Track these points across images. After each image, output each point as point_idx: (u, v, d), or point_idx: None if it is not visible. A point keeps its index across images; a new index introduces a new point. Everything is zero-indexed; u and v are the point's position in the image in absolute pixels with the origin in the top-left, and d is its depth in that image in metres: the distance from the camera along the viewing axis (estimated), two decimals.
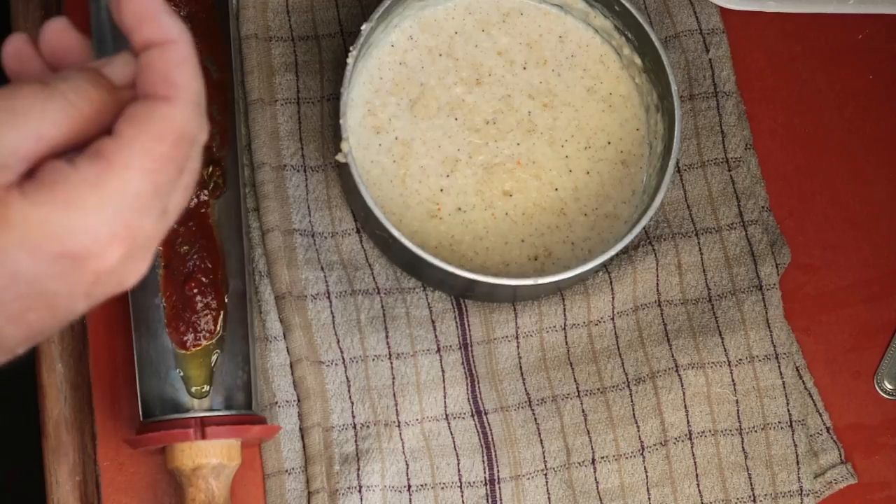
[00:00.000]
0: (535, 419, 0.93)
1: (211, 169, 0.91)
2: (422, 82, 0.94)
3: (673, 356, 0.93)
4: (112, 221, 0.56)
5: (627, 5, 0.92)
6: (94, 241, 0.56)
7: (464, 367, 0.93)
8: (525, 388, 0.93)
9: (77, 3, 0.96)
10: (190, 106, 0.58)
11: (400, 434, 0.92)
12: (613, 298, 0.94)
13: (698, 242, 0.95)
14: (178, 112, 0.57)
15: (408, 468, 0.92)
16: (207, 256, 0.90)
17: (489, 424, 0.93)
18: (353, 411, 0.92)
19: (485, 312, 0.93)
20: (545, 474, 0.92)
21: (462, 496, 0.92)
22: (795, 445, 0.93)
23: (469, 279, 0.88)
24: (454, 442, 0.92)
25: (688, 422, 0.93)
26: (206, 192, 0.91)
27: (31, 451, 0.96)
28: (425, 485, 0.91)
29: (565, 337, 0.94)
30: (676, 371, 0.93)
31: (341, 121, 0.88)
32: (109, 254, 0.57)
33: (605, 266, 0.95)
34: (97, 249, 0.56)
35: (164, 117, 0.57)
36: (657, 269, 0.95)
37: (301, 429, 0.92)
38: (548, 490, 0.92)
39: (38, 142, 0.56)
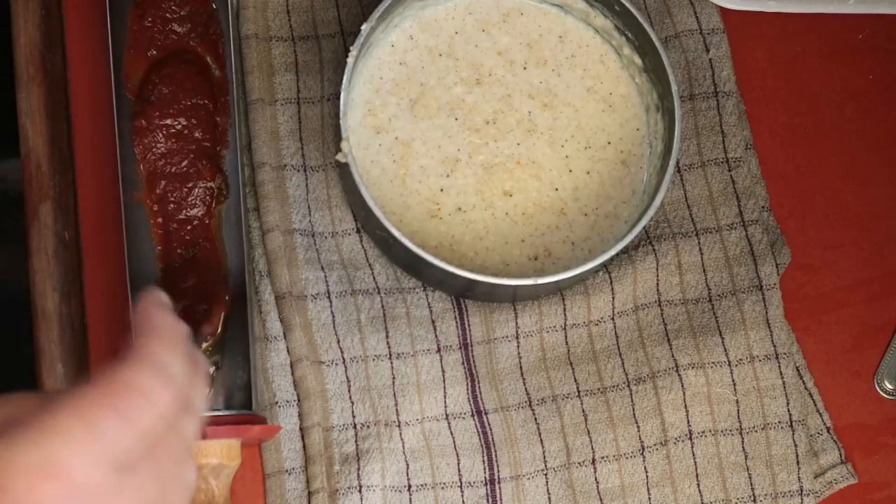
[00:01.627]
0: (536, 419, 0.93)
1: (217, 179, 0.91)
2: (422, 82, 0.94)
3: (673, 356, 0.93)
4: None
5: (627, 5, 0.92)
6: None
7: (464, 367, 0.93)
8: (525, 388, 0.93)
9: (77, 4, 0.96)
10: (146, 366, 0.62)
11: (400, 434, 0.92)
12: (613, 298, 0.94)
13: (698, 242, 0.95)
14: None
15: (408, 468, 0.92)
16: (208, 256, 0.90)
17: (489, 424, 0.93)
18: (353, 411, 0.92)
19: (485, 312, 0.93)
20: (545, 474, 0.92)
21: (462, 496, 0.92)
22: (796, 445, 0.93)
23: (469, 279, 0.88)
24: (454, 442, 0.92)
25: (688, 422, 0.93)
26: (210, 197, 0.91)
27: None
28: (425, 485, 0.91)
29: (565, 337, 0.94)
30: (676, 371, 0.93)
31: (341, 121, 0.89)
32: (38, 490, 0.57)
33: (605, 266, 0.95)
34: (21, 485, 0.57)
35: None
36: (657, 268, 0.95)
37: (301, 429, 0.92)
38: (548, 490, 0.92)
39: None
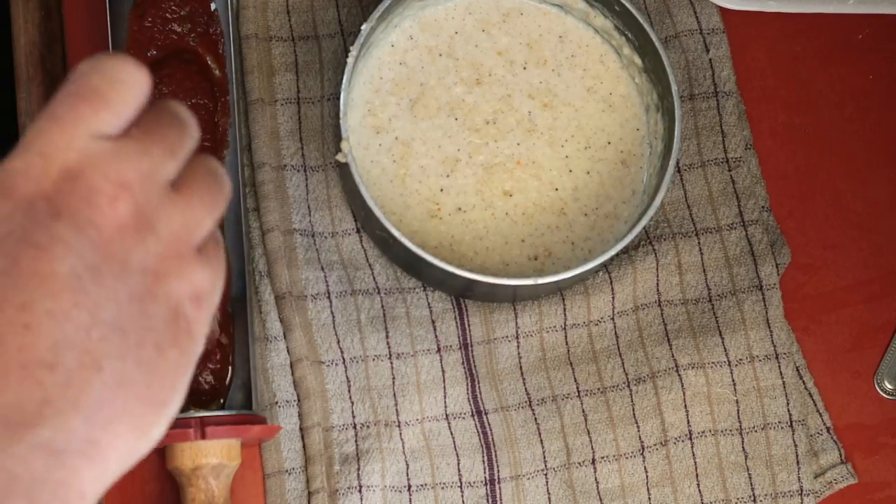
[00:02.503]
0: (536, 419, 0.93)
1: None
2: (422, 82, 0.94)
3: (673, 356, 0.93)
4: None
5: (627, 5, 0.92)
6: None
7: (464, 367, 0.93)
8: (525, 388, 0.93)
9: (77, 4, 0.96)
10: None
11: (400, 434, 0.91)
12: (613, 298, 0.94)
13: (698, 242, 0.95)
14: None
15: (408, 468, 0.91)
16: None
17: (489, 424, 0.93)
18: (353, 411, 0.92)
19: (485, 312, 0.93)
20: (545, 474, 0.92)
21: (462, 496, 0.92)
22: (795, 445, 0.93)
23: (469, 279, 0.88)
24: (454, 442, 0.92)
25: (688, 422, 0.93)
26: None
27: None
28: (425, 485, 0.91)
29: (565, 337, 0.94)
30: (676, 371, 0.93)
31: (341, 121, 0.88)
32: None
33: (605, 266, 0.94)
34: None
35: None
36: (657, 268, 0.95)
37: (301, 429, 0.92)
38: (548, 490, 0.92)
39: None
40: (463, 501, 0.92)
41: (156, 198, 0.54)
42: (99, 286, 0.52)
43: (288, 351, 0.92)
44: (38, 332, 0.51)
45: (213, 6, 0.94)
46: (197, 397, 0.88)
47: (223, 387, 0.89)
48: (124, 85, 0.55)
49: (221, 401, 0.89)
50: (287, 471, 0.91)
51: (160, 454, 0.90)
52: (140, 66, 0.55)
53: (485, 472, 0.92)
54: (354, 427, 0.91)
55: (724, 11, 0.99)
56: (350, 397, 0.92)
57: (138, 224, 0.54)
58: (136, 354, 0.53)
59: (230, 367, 0.89)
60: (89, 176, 0.53)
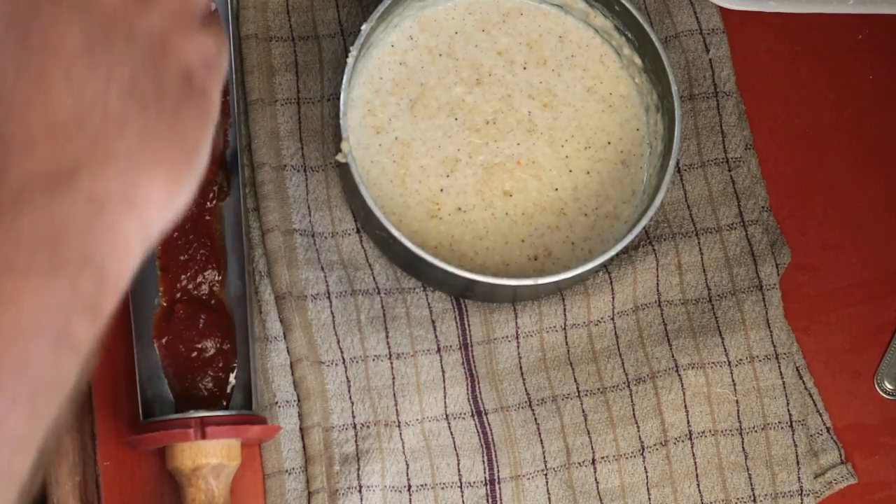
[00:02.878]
0: (536, 419, 0.93)
1: (218, 174, 0.91)
2: (422, 82, 0.94)
3: (673, 356, 0.93)
4: None
5: (627, 5, 0.92)
6: None
7: (464, 367, 0.93)
8: (525, 388, 0.93)
9: None
10: None
11: (400, 434, 0.91)
12: (613, 298, 0.94)
13: (698, 242, 0.95)
14: None
15: (408, 468, 0.92)
16: (208, 256, 0.90)
17: (489, 424, 0.93)
18: (353, 411, 0.92)
19: (485, 312, 0.93)
20: (545, 474, 0.92)
21: (462, 496, 0.92)
22: (795, 445, 0.93)
23: (469, 279, 0.88)
24: (454, 442, 0.92)
25: (688, 422, 0.93)
26: (212, 193, 0.91)
27: None
28: (425, 485, 0.91)
29: (565, 337, 0.94)
30: (677, 371, 0.93)
31: (341, 121, 0.88)
32: None
33: (605, 266, 0.95)
34: None
35: None
36: (657, 269, 0.95)
37: (301, 429, 0.92)
38: (548, 490, 0.92)
39: None
40: (463, 501, 0.92)
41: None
42: (109, 52, 0.57)
43: (288, 351, 0.92)
44: (60, 94, 0.56)
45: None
46: (197, 402, 0.88)
47: (224, 394, 0.89)
48: None
49: (224, 403, 0.89)
50: (287, 471, 0.91)
51: (160, 454, 0.90)
52: None
53: (485, 473, 0.92)
54: (354, 427, 0.91)
55: (724, 11, 0.99)
56: (350, 397, 0.92)
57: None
58: (157, 110, 0.58)
59: (231, 373, 0.89)
60: None
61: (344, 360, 0.92)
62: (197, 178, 0.60)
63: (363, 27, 0.89)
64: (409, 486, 0.91)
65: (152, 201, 0.58)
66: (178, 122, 0.59)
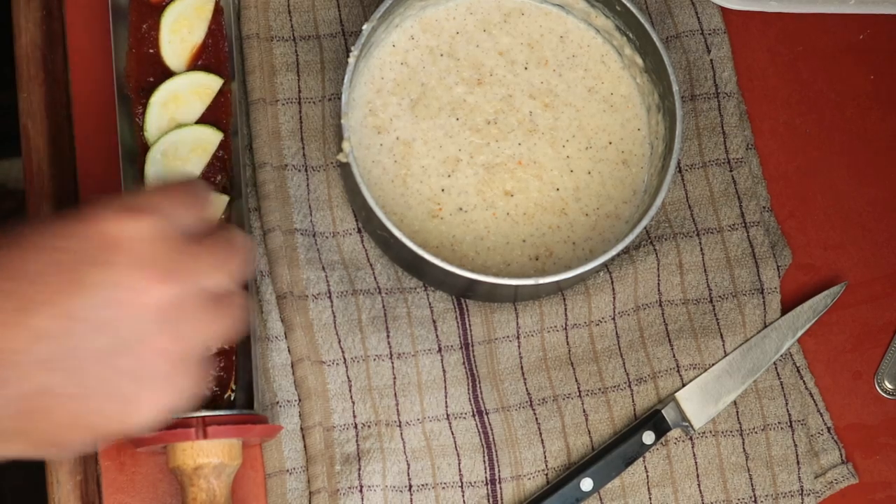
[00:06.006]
0: (537, 419, 0.93)
1: (220, 177, 0.92)
2: (423, 82, 0.94)
3: (675, 356, 0.93)
4: None
5: (629, 5, 0.92)
6: None
7: (465, 367, 0.93)
8: (526, 388, 0.93)
9: (78, 3, 0.96)
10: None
11: (401, 434, 0.92)
12: (614, 298, 0.94)
13: (699, 243, 0.95)
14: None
15: (409, 468, 0.92)
16: None
17: (490, 424, 0.93)
18: (354, 411, 0.92)
19: (486, 312, 0.94)
20: (546, 474, 0.92)
21: (463, 496, 0.92)
22: (795, 445, 0.93)
23: (470, 279, 0.88)
24: (455, 442, 0.92)
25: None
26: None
27: None
28: (426, 485, 0.92)
29: (566, 337, 0.94)
30: (678, 371, 0.93)
31: (343, 121, 0.89)
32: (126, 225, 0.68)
33: (606, 266, 0.95)
34: None
35: None
36: (658, 269, 0.95)
37: (302, 429, 0.92)
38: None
39: None
40: (464, 501, 0.92)
41: (191, 302, 0.67)
42: (92, 335, 0.65)
43: (289, 351, 0.92)
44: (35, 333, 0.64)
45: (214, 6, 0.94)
46: (199, 402, 0.88)
47: (225, 394, 0.89)
48: (209, 206, 0.71)
49: (225, 402, 0.89)
50: (288, 470, 0.91)
51: (162, 454, 0.90)
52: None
53: (486, 472, 0.92)
54: (355, 427, 0.92)
55: (725, 12, 0.99)
56: (351, 397, 0.92)
57: (162, 312, 0.66)
58: (137, 381, 0.67)
59: (233, 374, 0.89)
60: (154, 252, 0.66)
61: (345, 359, 0.92)
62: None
63: (364, 27, 0.90)
64: (410, 486, 0.91)
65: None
66: (167, 392, 0.68)
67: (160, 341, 0.66)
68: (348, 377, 0.92)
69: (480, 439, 0.92)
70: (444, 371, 0.93)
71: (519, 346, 0.94)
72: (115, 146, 0.91)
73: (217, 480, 0.86)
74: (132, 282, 0.65)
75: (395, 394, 0.92)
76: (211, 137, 0.91)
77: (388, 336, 0.93)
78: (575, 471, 0.91)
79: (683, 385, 0.93)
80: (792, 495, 0.93)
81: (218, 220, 0.75)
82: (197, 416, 0.86)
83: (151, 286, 0.66)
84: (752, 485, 0.93)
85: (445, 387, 0.93)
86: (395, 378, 0.92)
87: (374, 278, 0.94)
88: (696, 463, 0.93)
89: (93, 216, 0.66)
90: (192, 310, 0.67)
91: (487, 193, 0.93)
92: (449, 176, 0.93)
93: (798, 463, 0.93)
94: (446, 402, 0.93)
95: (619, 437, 0.92)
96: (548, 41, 0.96)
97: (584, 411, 0.93)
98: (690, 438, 0.93)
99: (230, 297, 0.70)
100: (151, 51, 0.92)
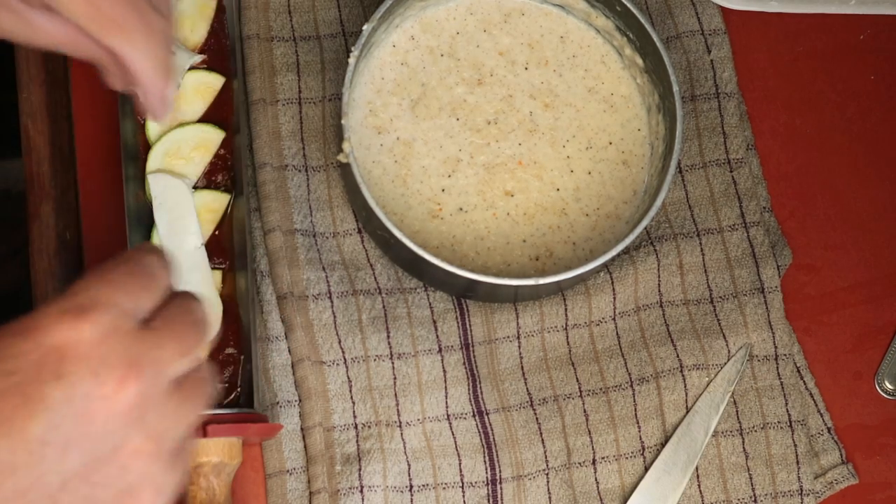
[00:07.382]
0: (537, 419, 0.93)
1: (222, 175, 0.92)
2: (423, 82, 0.94)
3: (678, 356, 0.93)
4: None
5: (629, 6, 0.92)
6: None
7: (465, 368, 0.93)
8: (527, 388, 0.93)
9: None
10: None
11: (401, 434, 0.92)
12: (615, 299, 0.94)
13: (700, 243, 0.95)
14: None
15: (409, 468, 0.92)
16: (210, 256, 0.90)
17: (490, 424, 0.93)
18: (354, 411, 0.92)
19: (486, 312, 0.94)
20: (546, 474, 0.92)
21: (463, 496, 0.92)
22: (795, 445, 0.93)
23: (470, 279, 0.88)
24: (456, 442, 0.92)
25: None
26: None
27: None
28: (427, 485, 0.91)
29: (567, 337, 0.94)
30: (681, 371, 0.93)
31: (343, 121, 0.89)
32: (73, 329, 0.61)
33: (606, 266, 0.95)
34: None
35: None
36: (659, 269, 0.95)
37: (302, 429, 0.92)
38: (549, 490, 0.92)
39: None
40: (464, 501, 0.92)
41: (157, 393, 0.62)
42: (61, 456, 0.60)
43: (289, 351, 0.92)
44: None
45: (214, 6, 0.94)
46: None
47: (225, 393, 0.89)
48: (160, 280, 0.65)
49: (225, 401, 0.89)
50: (288, 471, 0.91)
51: None
52: (169, 262, 0.66)
53: (486, 473, 0.92)
54: (356, 427, 0.92)
55: (725, 12, 0.99)
56: (351, 397, 0.92)
57: (131, 412, 0.61)
58: None
59: (231, 370, 0.89)
60: (107, 352, 0.61)
61: (345, 360, 0.92)
62: None
63: (365, 27, 0.90)
64: (411, 487, 0.91)
65: None
66: None
67: (135, 443, 0.61)
68: (348, 377, 0.92)
69: (481, 439, 0.92)
70: (444, 371, 0.93)
71: (519, 347, 0.94)
72: (116, 146, 0.91)
73: (217, 479, 0.86)
74: (91, 390, 0.60)
75: (396, 394, 0.92)
76: (213, 136, 0.91)
77: (388, 336, 0.93)
78: None
79: (685, 385, 0.93)
80: (791, 495, 0.93)
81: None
82: None
83: (113, 390, 0.60)
84: (751, 484, 0.93)
85: (446, 387, 0.93)
86: (395, 378, 0.92)
87: (375, 278, 0.94)
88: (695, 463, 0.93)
89: (34, 327, 0.60)
90: (161, 401, 0.62)
91: (488, 194, 0.93)
92: (449, 176, 0.93)
93: (798, 463, 0.93)
94: (447, 402, 0.93)
95: None
96: (548, 41, 0.96)
97: (584, 411, 0.93)
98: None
99: (196, 375, 0.65)
100: None
